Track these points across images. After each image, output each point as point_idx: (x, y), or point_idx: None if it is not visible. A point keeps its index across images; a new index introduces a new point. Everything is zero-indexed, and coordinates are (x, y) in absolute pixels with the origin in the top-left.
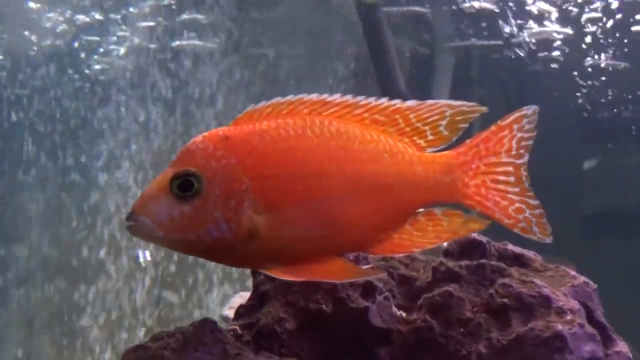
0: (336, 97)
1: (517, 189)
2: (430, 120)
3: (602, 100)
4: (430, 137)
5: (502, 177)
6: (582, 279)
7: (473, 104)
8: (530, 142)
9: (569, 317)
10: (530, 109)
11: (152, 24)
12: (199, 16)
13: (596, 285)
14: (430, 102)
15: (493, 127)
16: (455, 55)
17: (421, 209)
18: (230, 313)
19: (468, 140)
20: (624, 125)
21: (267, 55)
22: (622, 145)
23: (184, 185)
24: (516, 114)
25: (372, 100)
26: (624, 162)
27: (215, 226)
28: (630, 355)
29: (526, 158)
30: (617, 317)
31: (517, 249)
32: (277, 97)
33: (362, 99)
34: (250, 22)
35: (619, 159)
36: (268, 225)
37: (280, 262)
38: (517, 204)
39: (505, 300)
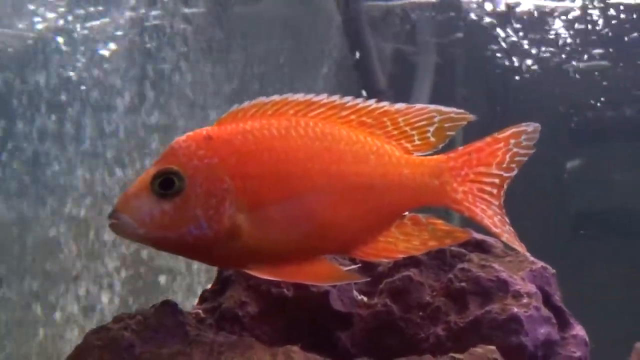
0: (322, 98)
1: (497, 202)
2: (418, 124)
3: (587, 100)
4: (417, 142)
5: (488, 188)
6: (540, 264)
7: (462, 111)
8: (524, 158)
9: (525, 300)
10: (531, 126)
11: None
12: None
13: (554, 271)
14: (419, 106)
15: (489, 139)
16: (438, 54)
17: (407, 213)
18: None
19: (460, 147)
20: (608, 125)
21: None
22: (606, 145)
23: (165, 184)
24: (514, 129)
25: (359, 102)
26: (607, 162)
27: (196, 225)
28: (587, 339)
29: (513, 173)
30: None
31: (480, 236)
32: (261, 96)
33: (349, 100)
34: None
35: (603, 159)
36: (250, 224)
37: (262, 262)
38: (499, 216)
39: (464, 284)
